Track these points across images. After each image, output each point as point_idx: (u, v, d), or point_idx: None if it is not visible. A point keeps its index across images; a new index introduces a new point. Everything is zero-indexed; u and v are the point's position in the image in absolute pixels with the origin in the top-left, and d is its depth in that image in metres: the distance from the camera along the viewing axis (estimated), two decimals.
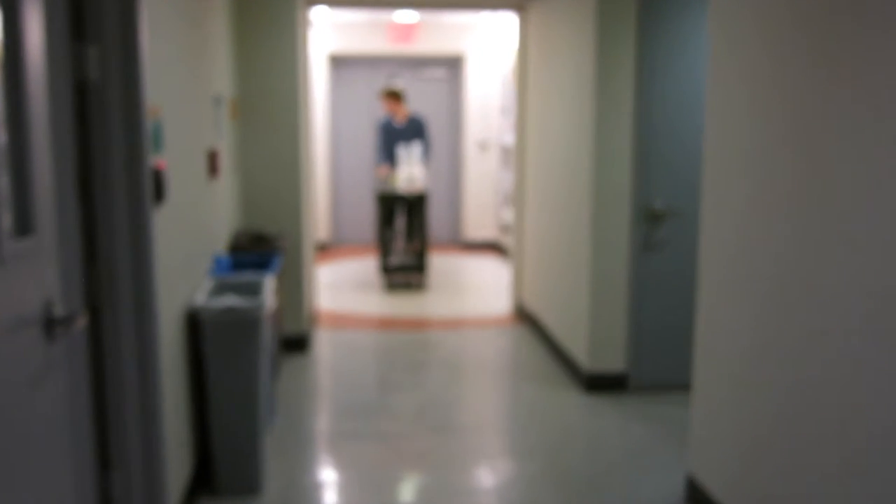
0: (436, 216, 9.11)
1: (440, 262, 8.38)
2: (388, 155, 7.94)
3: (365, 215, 9.36)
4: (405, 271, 7.44)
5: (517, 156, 6.09)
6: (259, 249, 4.36)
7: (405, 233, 7.79)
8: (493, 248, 9.30)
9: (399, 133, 7.94)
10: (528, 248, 5.92)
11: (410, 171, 7.61)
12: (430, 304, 6.74)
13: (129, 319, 2.33)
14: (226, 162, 4.31)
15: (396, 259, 7.39)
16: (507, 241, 8.10)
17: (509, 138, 7.66)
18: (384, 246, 7.34)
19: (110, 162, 2.25)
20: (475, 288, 7.33)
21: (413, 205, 7.78)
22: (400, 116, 7.62)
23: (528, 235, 5.92)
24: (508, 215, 7.69)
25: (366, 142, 9.32)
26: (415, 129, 7.99)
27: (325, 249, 9.06)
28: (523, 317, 5.98)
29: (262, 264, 4.14)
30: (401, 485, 3.19)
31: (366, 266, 8.23)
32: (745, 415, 2.43)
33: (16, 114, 1.59)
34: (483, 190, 9.36)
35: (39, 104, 1.70)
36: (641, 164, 4.15)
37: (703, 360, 2.72)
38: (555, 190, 5.07)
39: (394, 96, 7.47)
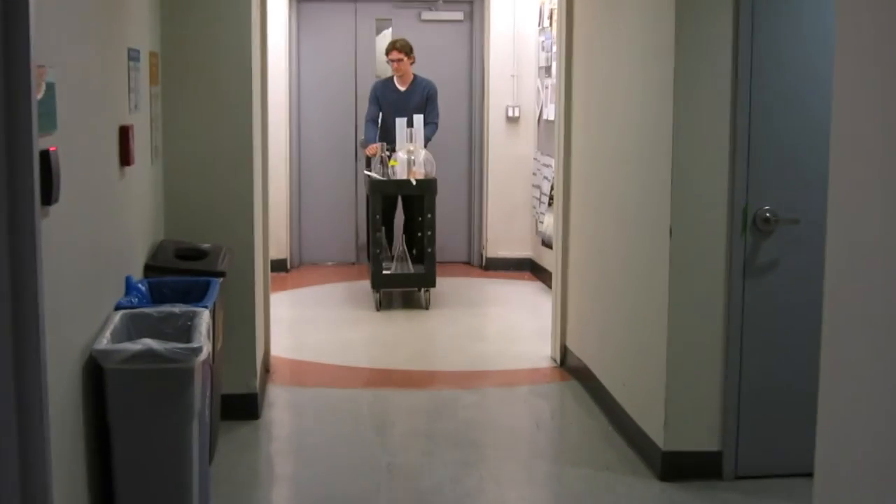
0: (445, 224, 9.26)
1: (452, 289, 8.56)
2: (380, 132, 8.23)
3: (341, 223, 9.63)
4: (404, 283, 7.68)
5: (560, 137, 6.20)
6: (190, 271, 4.42)
7: (403, 238, 8.08)
8: (526, 268, 9.43)
9: (399, 101, 8.27)
10: (576, 269, 6.02)
11: (413, 154, 7.85)
12: (437, 347, 6.88)
13: (2, 370, 2.35)
14: (144, 145, 4.38)
15: (392, 269, 7.77)
16: (548, 259, 8.20)
17: (552, 110, 7.56)
18: (376, 253, 7.64)
19: None
20: (501, 326, 7.47)
21: (415, 200, 8.02)
22: (405, 78, 8.11)
23: (576, 252, 6.02)
24: (550, 222, 7.70)
25: (343, 119, 9.51)
26: (419, 98, 8.25)
27: (284, 271, 9.21)
28: (569, 369, 6.08)
29: (194, 292, 4.21)
30: None
31: (343, 293, 8.45)
32: None
33: None
34: (514, 184, 9.47)
35: None
36: (742, 152, 4.17)
37: (830, 438, 2.71)
38: (616, 187, 5.15)
39: (404, 50, 7.98)
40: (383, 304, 7.81)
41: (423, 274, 7.72)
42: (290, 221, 9.45)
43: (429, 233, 7.65)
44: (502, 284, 8.94)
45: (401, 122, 7.92)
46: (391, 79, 8.35)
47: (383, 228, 7.87)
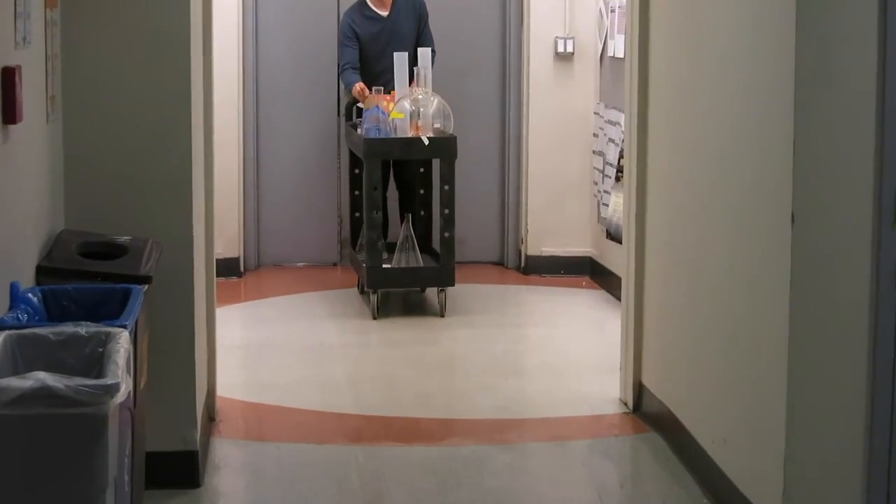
0: (466, 209, 9.28)
1: (478, 300, 8.65)
2: (358, 72, 8.77)
3: (317, 210, 9.84)
4: (410, 281, 7.86)
5: (634, 82, 6.26)
6: (102, 275, 4.43)
7: (408, 218, 8.26)
8: (584, 271, 9.64)
9: (383, 31, 8.68)
10: (657, 274, 6.11)
11: (421, 103, 8.05)
12: (456, 383, 6.92)
13: None
14: (35, 95, 4.38)
15: (395, 261, 7.94)
16: (615, 258, 8.30)
17: (621, 43, 7.75)
18: (372, 240, 7.77)
19: None
20: (548, 354, 7.54)
21: (415, 167, 8.31)
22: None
23: (657, 249, 6.12)
24: (619, 205, 7.73)
25: (321, 64, 9.73)
26: (411, 22, 8.71)
27: (236, 276, 9.38)
28: (647, 417, 6.15)
29: (108, 306, 4.19)
30: None
31: (320, 305, 8.58)
32: None
33: None
34: (565, 151, 9.62)
35: None
36: (893, 114, 4.03)
37: None
38: (715, 157, 5.19)
39: None
40: (381, 311, 7.89)
41: (438, 268, 7.82)
42: (245, 206, 9.56)
43: (446, 211, 7.72)
44: (549, 294, 9.07)
45: (400, 57, 8.09)
46: (364, 2, 8.59)
47: (378, 207, 8.04)
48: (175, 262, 5.04)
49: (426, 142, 7.79)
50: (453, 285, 7.90)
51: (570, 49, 9.46)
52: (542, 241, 9.69)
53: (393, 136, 7.93)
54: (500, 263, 9.92)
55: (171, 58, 5.00)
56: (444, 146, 7.80)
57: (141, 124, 5.02)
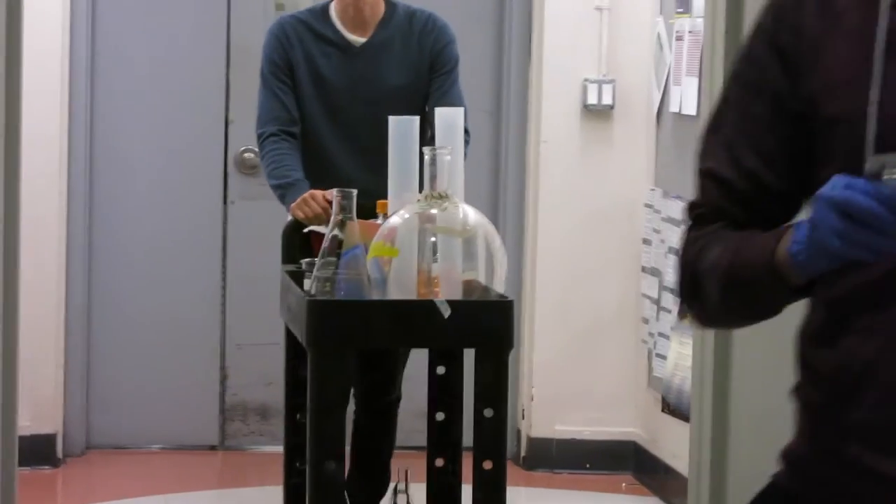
0: (419, 363, 7.93)
1: None
2: (297, 154, 6.50)
3: (184, 362, 8.49)
4: None
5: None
6: None
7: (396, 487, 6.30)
8: (626, 466, 8.43)
9: (353, 72, 6.53)
10: (744, 476, 5.39)
11: (427, 219, 5.57)
12: None
13: None
14: None
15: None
16: (676, 443, 7.54)
17: (690, 93, 7.16)
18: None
19: None
20: None
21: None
22: (368, 9, 6.53)
23: (745, 433, 5.49)
24: (685, 357, 7.12)
25: (203, 110, 8.64)
26: (413, 58, 6.51)
27: (50, 465, 8.16)
28: None
29: None
30: None
31: None
32: None
33: None
34: (597, 268, 8.43)
35: None
36: None
37: None
38: None
39: None
40: None
41: None
42: (67, 350, 8.19)
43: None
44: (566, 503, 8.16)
45: (402, 127, 5.56)
46: (321, 11, 6.51)
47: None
48: None
49: (445, 312, 4.93)
50: None
51: (606, 100, 8.02)
52: (557, 415, 8.23)
53: (375, 296, 5.17)
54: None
55: None
56: (486, 318, 5.03)
57: None
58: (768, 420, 4.77)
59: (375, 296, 4.95)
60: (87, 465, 8.13)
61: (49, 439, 7.86)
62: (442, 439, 5.62)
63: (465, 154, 5.83)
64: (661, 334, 7.59)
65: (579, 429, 8.09)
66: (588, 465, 8.04)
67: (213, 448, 8.24)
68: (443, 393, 5.65)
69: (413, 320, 5.01)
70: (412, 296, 4.90)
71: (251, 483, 7.85)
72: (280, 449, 7.56)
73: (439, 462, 5.54)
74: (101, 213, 8.42)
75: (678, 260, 2.43)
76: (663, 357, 7.49)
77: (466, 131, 5.85)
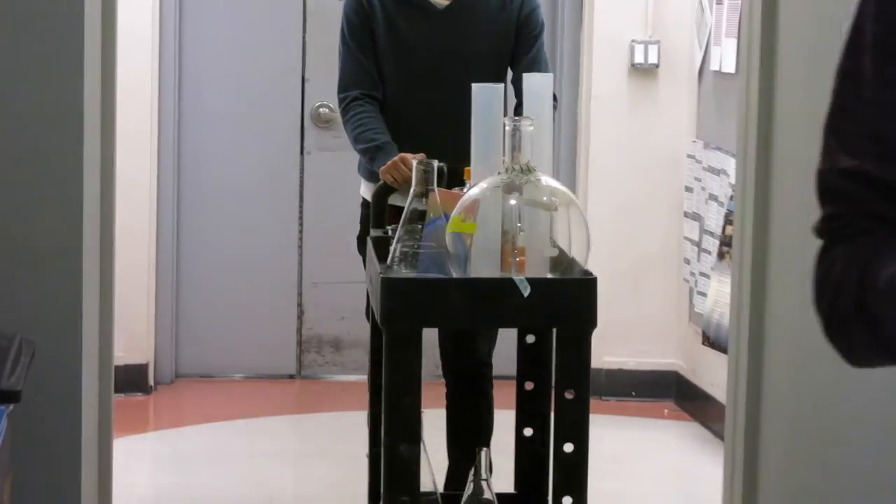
0: None
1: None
2: (380, 117, 6.24)
3: (263, 300, 8.94)
4: None
5: (751, 118, 5.54)
6: None
7: (477, 463, 5.96)
8: (667, 393, 8.85)
9: (436, 35, 6.14)
10: (778, 404, 5.50)
11: (511, 188, 5.25)
12: None
13: None
14: None
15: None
16: (715, 373, 7.80)
17: (730, 53, 7.37)
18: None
19: None
20: None
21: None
22: None
23: (778, 366, 5.48)
24: (724, 295, 7.14)
25: (276, 92, 8.95)
26: (501, 20, 6.16)
27: (142, 392, 8.63)
28: None
29: None
30: None
31: (266, 437, 7.96)
32: None
33: None
34: (641, 210, 8.78)
35: None
36: None
37: None
38: None
39: None
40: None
41: None
42: (158, 290, 8.61)
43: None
44: (614, 428, 8.05)
45: (484, 94, 5.16)
46: None
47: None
48: (53, 371, 4.77)
49: (525, 291, 4.77)
50: None
51: (652, 59, 8.40)
52: (605, 347, 7.97)
53: (457, 273, 4.73)
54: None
55: (52, 56, 4.75)
56: (568, 297, 4.72)
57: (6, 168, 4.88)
58: (801, 351, 5.05)
59: (456, 272, 4.69)
60: (175, 393, 8.68)
61: (141, 369, 8.39)
62: (531, 408, 5.43)
63: (554, 119, 5.79)
64: (701, 273, 7.92)
65: (625, 360, 8.59)
66: (633, 393, 8.58)
67: (290, 377, 8.74)
68: (531, 363, 5.43)
69: (492, 299, 4.72)
70: (496, 272, 4.78)
71: (325, 409, 8.30)
72: (351, 377, 8.38)
73: (527, 431, 5.43)
74: (188, 163, 8.88)
75: (819, 285, 1.85)
76: (703, 294, 7.82)
77: (554, 97, 5.65)
